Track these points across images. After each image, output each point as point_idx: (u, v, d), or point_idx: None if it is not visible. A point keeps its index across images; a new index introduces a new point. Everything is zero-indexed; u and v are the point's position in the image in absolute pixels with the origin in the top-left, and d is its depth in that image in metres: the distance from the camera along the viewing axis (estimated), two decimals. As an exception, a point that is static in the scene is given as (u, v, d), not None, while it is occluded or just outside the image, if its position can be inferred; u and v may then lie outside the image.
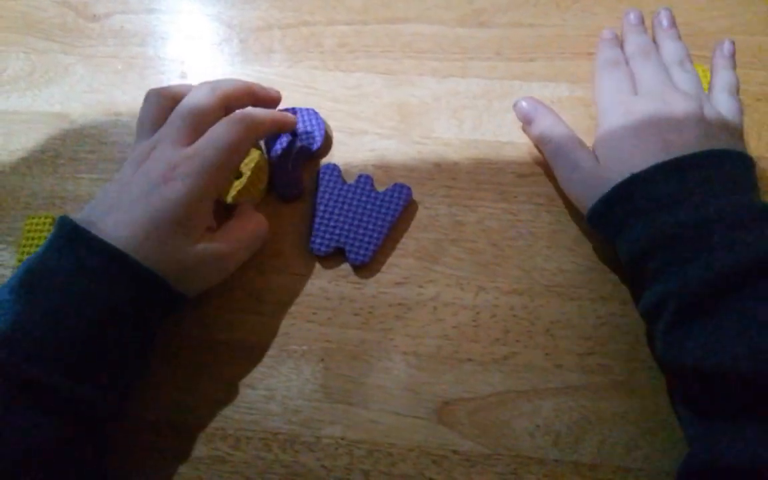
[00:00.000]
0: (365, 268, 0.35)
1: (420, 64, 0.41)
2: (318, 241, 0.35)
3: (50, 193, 0.38)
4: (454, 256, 0.36)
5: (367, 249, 0.35)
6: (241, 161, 0.33)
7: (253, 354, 0.34)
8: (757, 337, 0.26)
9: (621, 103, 0.35)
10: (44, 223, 0.36)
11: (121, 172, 0.31)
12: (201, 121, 0.32)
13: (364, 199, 0.36)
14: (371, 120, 0.40)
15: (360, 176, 0.37)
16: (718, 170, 0.30)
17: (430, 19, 0.43)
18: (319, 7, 0.44)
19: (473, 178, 0.38)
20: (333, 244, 0.35)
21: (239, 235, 0.33)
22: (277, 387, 0.33)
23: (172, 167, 0.30)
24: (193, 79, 0.41)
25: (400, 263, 0.36)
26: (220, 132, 0.31)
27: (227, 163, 0.31)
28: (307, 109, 0.39)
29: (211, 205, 0.31)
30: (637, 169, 0.31)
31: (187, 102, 0.32)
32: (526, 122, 0.38)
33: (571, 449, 0.31)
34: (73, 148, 0.40)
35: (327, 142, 0.39)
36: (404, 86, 0.41)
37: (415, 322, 0.34)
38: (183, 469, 0.31)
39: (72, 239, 0.28)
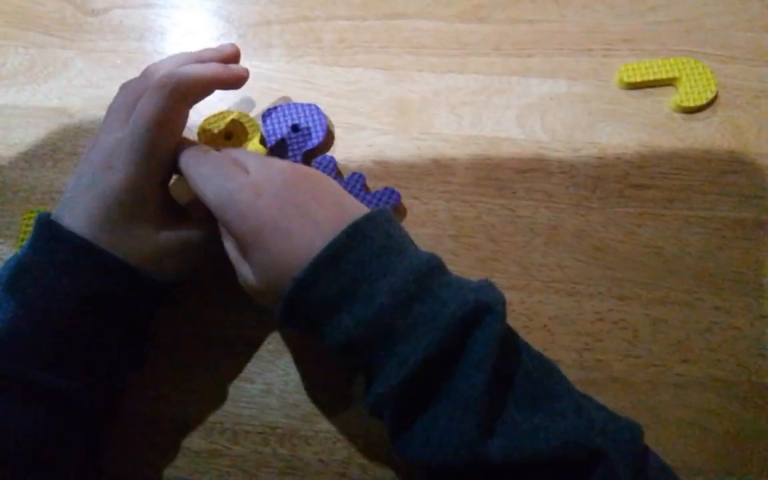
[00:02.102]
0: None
1: (419, 60, 0.41)
2: None
3: (49, 187, 0.38)
4: (452, 251, 0.36)
5: None
6: (177, 134, 0.30)
7: (251, 348, 0.34)
8: (463, 425, 0.24)
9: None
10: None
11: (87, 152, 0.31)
12: (134, 99, 0.30)
13: (353, 196, 0.36)
14: (370, 115, 0.40)
15: (353, 174, 0.37)
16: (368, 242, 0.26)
17: (429, 15, 0.43)
18: (318, 2, 0.43)
19: (472, 173, 0.38)
20: None
21: (211, 222, 0.30)
22: (275, 381, 0.33)
23: (109, 153, 0.29)
24: (192, 74, 0.42)
25: (398, 258, 0.36)
26: (142, 107, 0.29)
27: (158, 139, 0.29)
28: (309, 105, 0.39)
29: (158, 187, 0.30)
30: (294, 270, 0.26)
31: (129, 87, 0.31)
32: None
33: (568, 444, 0.31)
34: (72, 142, 0.40)
35: (329, 138, 0.39)
36: (403, 82, 0.41)
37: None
38: (181, 463, 0.31)
39: (45, 234, 0.28)
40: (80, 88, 0.41)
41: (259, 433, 0.32)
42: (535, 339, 0.33)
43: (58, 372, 0.27)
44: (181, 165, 0.30)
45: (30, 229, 0.35)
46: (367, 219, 0.26)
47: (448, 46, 0.42)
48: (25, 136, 0.40)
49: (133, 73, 0.42)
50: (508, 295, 0.34)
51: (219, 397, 0.33)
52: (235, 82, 0.33)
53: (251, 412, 0.32)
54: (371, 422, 0.32)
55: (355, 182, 0.36)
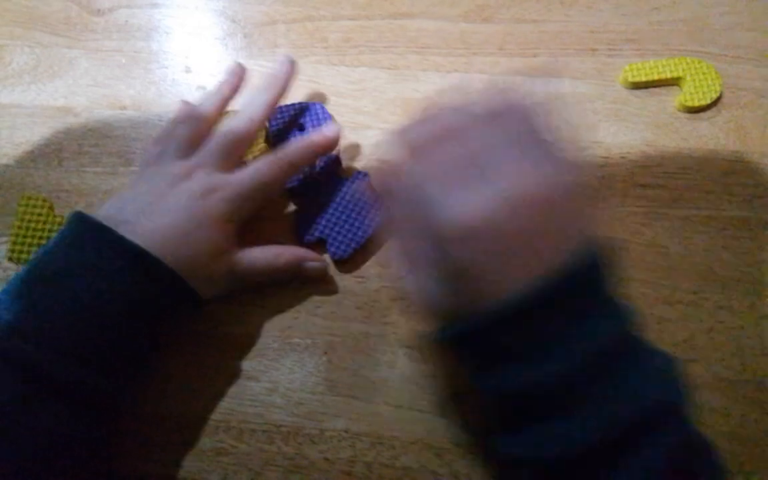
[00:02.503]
0: (347, 262, 0.35)
1: (424, 59, 0.41)
2: (301, 227, 0.36)
3: (55, 186, 0.38)
4: (457, 250, 0.36)
5: (347, 246, 0.35)
6: (274, 196, 0.35)
7: (256, 347, 0.34)
8: None
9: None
10: (41, 206, 0.37)
11: (148, 179, 0.32)
12: (238, 149, 0.34)
13: (356, 196, 0.36)
14: (374, 115, 0.40)
15: (358, 173, 0.37)
16: (586, 290, 0.23)
17: (434, 15, 0.43)
18: (323, 2, 0.44)
19: (476, 173, 0.38)
20: (316, 233, 0.35)
21: (258, 257, 0.33)
22: (281, 380, 0.33)
23: (212, 189, 0.32)
24: (198, 73, 0.42)
25: (403, 257, 0.36)
26: (261, 168, 0.33)
27: (261, 196, 0.34)
28: (314, 104, 0.39)
29: (237, 228, 0.33)
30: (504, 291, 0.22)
31: (229, 130, 0.34)
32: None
33: (573, 443, 0.31)
34: (77, 141, 0.40)
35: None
36: (408, 81, 0.41)
37: (418, 316, 0.34)
38: (186, 461, 0.31)
39: (94, 236, 0.28)
40: (86, 87, 0.41)
41: (264, 431, 0.32)
42: (540, 338, 0.33)
43: (93, 371, 0.27)
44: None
45: (27, 215, 0.36)
46: (591, 266, 0.23)
47: (452, 46, 0.42)
48: (30, 135, 0.40)
49: (139, 72, 0.42)
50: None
51: (224, 396, 0.33)
52: (328, 152, 0.36)
53: (256, 410, 0.32)
54: (376, 421, 0.32)
55: (360, 180, 0.36)
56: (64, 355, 0.26)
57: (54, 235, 0.30)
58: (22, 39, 0.43)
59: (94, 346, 0.27)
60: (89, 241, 0.28)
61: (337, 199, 0.36)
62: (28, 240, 0.36)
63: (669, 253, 0.35)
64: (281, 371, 0.33)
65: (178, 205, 0.31)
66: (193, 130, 0.34)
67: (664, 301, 0.34)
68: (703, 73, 0.39)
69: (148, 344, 0.30)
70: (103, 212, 0.30)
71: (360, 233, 0.35)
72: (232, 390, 0.33)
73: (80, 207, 0.38)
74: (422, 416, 0.32)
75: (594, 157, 0.38)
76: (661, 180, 0.37)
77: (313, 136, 0.35)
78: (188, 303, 0.31)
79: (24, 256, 0.35)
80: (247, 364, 0.33)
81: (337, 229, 0.35)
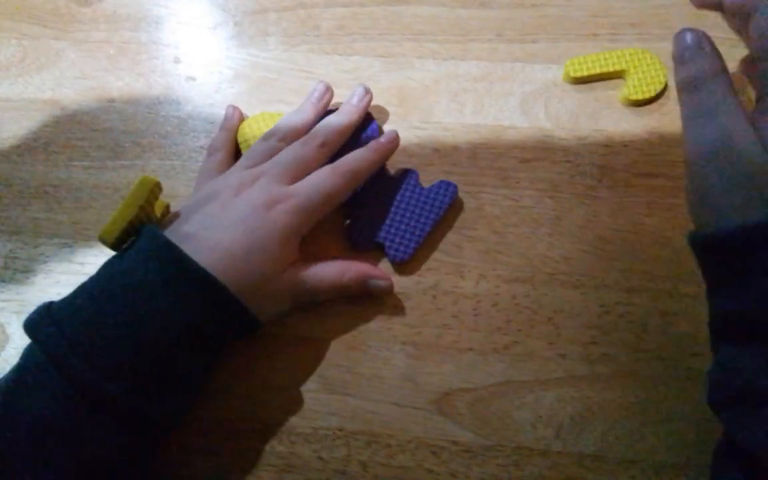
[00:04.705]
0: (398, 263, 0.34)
1: (419, 47, 0.40)
2: (355, 234, 0.34)
3: (43, 180, 0.38)
4: (453, 243, 0.35)
5: (407, 246, 0.34)
6: (335, 208, 0.33)
7: (249, 344, 0.33)
8: None
9: None
10: (152, 190, 0.30)
11: (213, 190, 0.32)
12: (304, 169, 0.33)
13: (408, 194, 0.35)
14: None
15: (407, 172, 0.36)
16: None
17: (430, 1, 0.42)
18: (315, -12, 0.42)
19: (474, 163, 0.37)
20: (375, 239, 0.34)
21: (325, 275, 0.32)
22: (273, 377, 0.32)
23: (275, 200, 0.31)
24: (188, 64, 0.41)
25: (398, 251, 0.35)
26: (324, 180, 0.32)
27: (324, 208, 0.32)
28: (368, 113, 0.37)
29: (299, 241, 0.32)
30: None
31: (299, 150, 0.33)
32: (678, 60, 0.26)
33: (574, 441, 0.30)
34: (65, 135, 0.39)
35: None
36: (403, 69, 0.40)
37: (414, 311, 0.33)
38: (178, 460, 0.31)
39: (162, 255, 0.28)
40: (73, 79, 0.40)
41: (258, 430, 0.31)
42: (539, 333, 0.32)
43: (151, 398, 0.27)
44: None
45: (146, 196, 0.30)
46: None
47: (449, 32, 0.41)
48: (17, 128, 0.39)
49: (128, 63, 0.41)
50: (512, 288, 0.34)
51: (216, 395, 0.32)
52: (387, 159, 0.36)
53: (249, 409, 0.32)
54: (372, 419, 0.31)
55: (409, 178, 0.35)
56: (116, 378, 0.26)
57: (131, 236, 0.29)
58: (9, 31, 0.42)
59: (148, 370, 0.26)
60: (158, 261, 0.28)
61: (390, 201, 0.35)
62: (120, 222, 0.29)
63: (673, 245, 0.34)
64: (274, 369, 0.32)
65: (241, 216, 0.30)
66: (272, 148, 0.34)
67: (667, 294, 0.33)
68: (647, 65, 0.37)
69: (201, 371, 0.30)
70: (174, 223, 0.30)
71: (418, 232, 0.34)
72: (224, 388, 0.32)
73: (68, 202, 0.37)
74: (419, 414, 0.31)
75: (595, 146, 0.37)
76: (664, 169, 0.36)
77: (375, 145, 0.34)
78: (248, 329, 0.30)
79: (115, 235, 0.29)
80: (240, 362, 0.33)
81: (393, 231, 0.34)
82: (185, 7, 0.43)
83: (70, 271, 0.35)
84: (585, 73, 0.38)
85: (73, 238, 0.36)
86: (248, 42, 0.41)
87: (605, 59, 0.38)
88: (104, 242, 0.29)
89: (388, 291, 0.33)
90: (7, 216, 0.37)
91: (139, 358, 0.26)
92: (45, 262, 0.36)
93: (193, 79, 0.40)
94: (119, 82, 0.40)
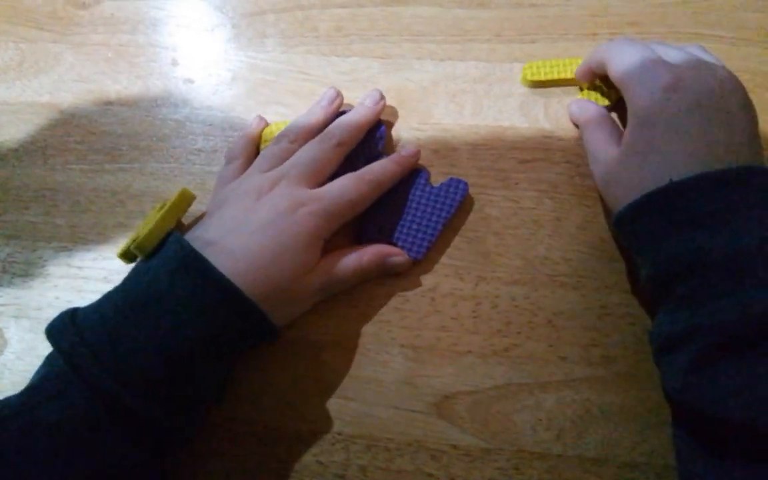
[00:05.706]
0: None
1: (417, 48, 0.40)
2: (368, 234, 0.34)
3: (41, 184, 0.37)
4: (453, 245, 0.35)
5: (420, 246, 0.33)
6: (358, 214, 0.33)
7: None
8: None
9: (659, 75, 0.29)
10: (189, 203, 0.34)
11: (233, 195, 0.32)
12: (322, 170, 0.33)
13: (418, 193, 0.35)
14: (368, 106, 0.38)
15: (418, 171, 0.35)
16: (761, 192, 0.26)
17: (428, 1, 0.41)
18: (313, -10, 0.42)
19: (473, 164, 0.36)
20: (386, 239, 0.34)
21: (348, 264, 0.32)
22: (272, 380, 0.32)
23: (299, 203, 0.31)
24: (185, 66, 0.41)
25: (397, 253, 0.34)
26: (348, 186, 0.32)
27: (347, 215, 0.32)
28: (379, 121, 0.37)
29: (321, 245, 0.32)
30: (676, 173, 0.26)
31: (316, 151, 0.33)
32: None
33: (574, 443, 0.30)
34: (63, 138, 0.39)
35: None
36: (401, 70, 0.39)
37: (413, 314, 0.33)
38: (176, 462, 0.31)
39: (188, 265, 0.27)
40: (71, 83, 0.40)
41: (256, 434, 0.31)
42: (539, 335, 0.32)
43: (170, 410, 0.27)
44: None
45: (185, 209, 0.34)
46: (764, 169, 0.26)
47: (447, 33, 0.40)
48: (15, 132, 0.39)
49: (125, 66, 0.41)
50: (511, 290, 0.33)
51: (216, 398, 0.32)
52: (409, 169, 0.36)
53: (249, 412, 0.32)
54: (371, 423, 0.31)
55: (418, 177, 0.35)
56: (136, 390, 0.26)
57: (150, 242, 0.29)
58: (7, 34, 0.42)
59: (169, 382, 0.26)
60: (185, 272, 0.27)
61: (402, 201, 0.35)
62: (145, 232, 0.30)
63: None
64: (273, 372, 0.32)
65: (267, 220, 0.30)
66: (284, 150, 0.34)
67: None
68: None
69: (216, 381, 0.30)
70: (198, 230, 0.30)
71: (430, 231, 0.34)
72: (224, 392, 0.32)
73: (66, 205, 0.37)
74: (418, 417, 0.31)
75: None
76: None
77: (398, 158, 0.34)
78: (266, 339, 0.30)
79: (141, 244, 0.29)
80: (238, 366, 0.32)
81: (405, 230, 0.34)
82: (183, 10, 0.43)
83: (69, 274, 0.35)
84: (542, 78, 0.37)
85: (71, 242, 0.36)
86: (246, 44, 0.41)
87: (563, 66, 0.38)
88: (139, 251, 0.29)
89: (407, 266, 0.33)
90: (5, 220, 0.37)
91: (161, 370, 0.26)
92: (43, 265, 0.36)
93: (191, 81, 0.40)
94: (117, 85, 0.40)
